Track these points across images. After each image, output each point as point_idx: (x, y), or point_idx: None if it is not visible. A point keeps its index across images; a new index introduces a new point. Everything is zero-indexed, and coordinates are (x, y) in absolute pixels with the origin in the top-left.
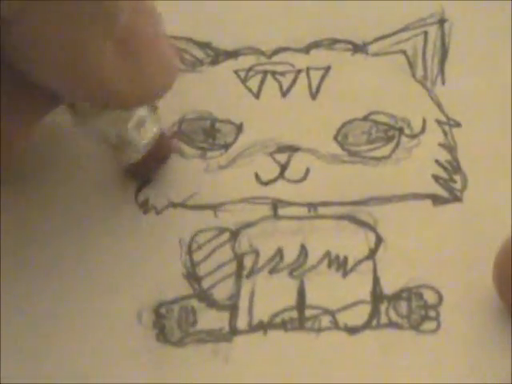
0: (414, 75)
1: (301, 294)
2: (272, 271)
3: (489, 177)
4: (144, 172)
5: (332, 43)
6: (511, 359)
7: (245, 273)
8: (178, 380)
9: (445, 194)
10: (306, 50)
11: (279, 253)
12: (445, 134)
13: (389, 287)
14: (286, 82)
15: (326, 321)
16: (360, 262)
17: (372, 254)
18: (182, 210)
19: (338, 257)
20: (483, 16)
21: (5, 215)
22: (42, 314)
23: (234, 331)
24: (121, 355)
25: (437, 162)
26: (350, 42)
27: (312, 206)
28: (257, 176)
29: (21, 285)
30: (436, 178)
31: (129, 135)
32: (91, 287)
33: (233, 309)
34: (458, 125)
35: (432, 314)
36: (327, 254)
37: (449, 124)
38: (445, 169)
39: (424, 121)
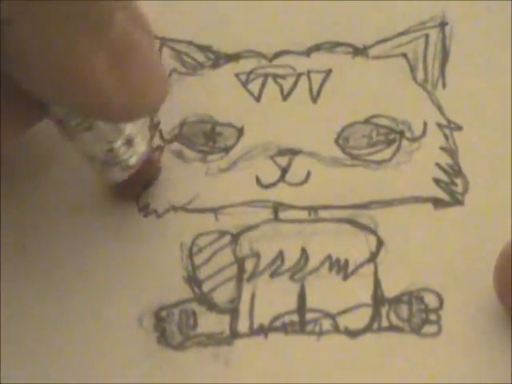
0: (414, 78)
1: (301, 297)
2: (273, 275)
3: (490, 180)
4: (130, 192)
5: (333, 46)
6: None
7: (245, 276)
8: None
9: (446, 198)
10: (307, 53)
11: (280, 256)
12: (446, 137)
13: (390, 290)
14: (286, 85)
15: (326, 324)
16: (361, 265)
17: (373, 258)
18: (182, 214)
19: (338, 260)
20: (484, 19)
21: (5, 218)
22: (42, 318)
23: (234, 335)
24: (121, 359)
25: (438, 165)
26: (350, 45)
27: (313, 209)
28: (258, 179)
29: (21, 289)
30: (437, 181)
31: (116, 153)
32: (92, 291)
33: (233, 312)
34: (459, 128)
35: (433, 317)
36: (328, 257)
37: (450, 127)
38: (446, 172)
39: (425, 124)
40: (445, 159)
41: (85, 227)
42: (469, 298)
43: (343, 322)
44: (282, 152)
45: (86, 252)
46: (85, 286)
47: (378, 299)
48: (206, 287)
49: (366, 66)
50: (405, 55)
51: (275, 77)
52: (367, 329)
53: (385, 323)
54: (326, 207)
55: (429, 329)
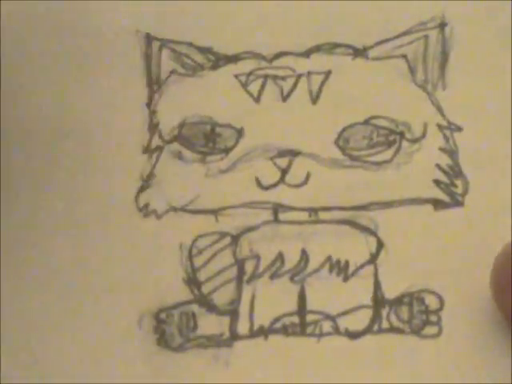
0: (414, 79)
1: (302, 298)
2: (273, 276)
3: (490, 181)
4: None
5: (332, 47)
6: (511, 363)
7: (245, 278)
8: None
9: (446, 199)
10: (307, 54)
11: (280, 258)
12: (446, 138)
13: (390, 292)
14: (286, 86)
15: (327, 326)
16: (361, 266)
17: (373, 259)
18: (182, 215)
19: (339, 261)
20: (484, 19)
21: (5, 218)
22: (42, 319)
23: (234, 336)
24: (122, 360)
25: (438, 166)
26: (350, 47)
27: (313, 210)
28: (257, 180)
29: (21, 290)
30: (437, 182)
31: None
32: (92, 292)
33: (233, 314)
34: (459, 129)
35: (433, 318)
36: (328, 258)
37: (450, 128)
38: (446, 173)
39: (425, 125)
40: (445, 160)
41: (84, 228)
42: (469, 299)
43: (343, 323)
44: (281, 153)
45: (86, 252)
46: (84, 287)
47: (379, 301)
48: (205, 289)
49: (366, 67)
50: (405, 56)
51: (275, 78)
52: (367, 330)
53: (385, 325)
54: (326, 208)
55: (429, 330)
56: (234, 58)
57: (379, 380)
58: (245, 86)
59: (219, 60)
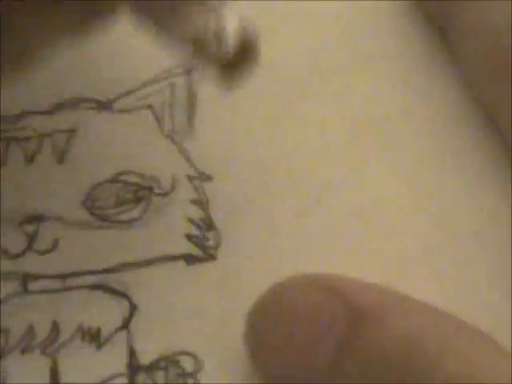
0: (162, 130)
1: (54, 372)
2: (24, 350)
3: (243, 232)
4: (237, 73)
5: (76, 103)
6: None
7: None
8: None
9: (199, 253)
10: (50, 112)
11: (31, 331)
12: (196, 189)
13: (145, 357)
14: (30, 147)
15: None
16: (114, 332)
17: (126, 324)
18: None
19: (90, 329)
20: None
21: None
22: None
23: None
24: None
25: (189, 219)
26: (93, 100)
27: (62, 277)
28: (5, 250)
29: None
30: (189, 236)
31: (215, 26)
32: None
33: None
34: (209, 179)
35: (190, 381)
36: (80, 327)
37: (200, 179)
38: (198, 226)
39: (174, 177)
40: (196, 213)
41: None
42: (227, 358)
43: None
44: (28, 219)
45: None
46: None
47: (134, 367)
48: None
49: (112, 121)
50: (150, 107)
51: (18, 140)
52: None
53: None
54: (76, 274)
55: None
56: None
57: None
58: None
59: None
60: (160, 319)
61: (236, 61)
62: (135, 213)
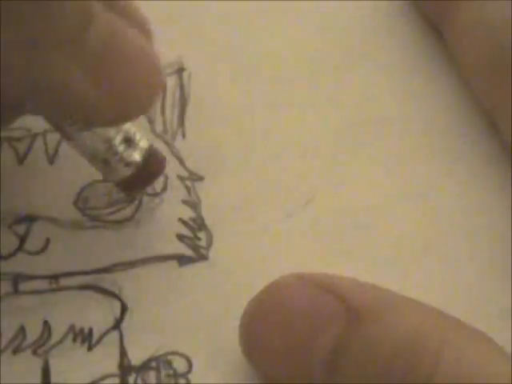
0: (153, 131)
1: (45, 372)
2: (15, 351)
3: (235, 232)
4: (134, 188)
5: None
6: None
7: None
8: None
9: (191, 253)
10: None
11: (22, 331)
12: (188, 189)
13: (137, 357)
14: (22, 147)
15: None
16: (106, 333)
17: (117, 324)
18: None
19: (82, 330)
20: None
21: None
22: None
23: None
24: None
25: (181, 220)
26: None
27: (54, 277)
28: None
29: None
30: (181, 237)
31: (116, 150)
32: None
33: None
34: (200, 179)
35: (182, 381)
36: (71, 327)
37: (191, 179)
38: (189, 227)
39: (165, 178)
40: (188, 213)
41: None
42: (218, 359)
43: None
44: (19, 220)
45: None
46: None
47: (125, 368)
48: None
49: None
50: None
51: (10, 140)
52: None
53: None
54: (68, 274)
55: None
56: None
57: None
58: None
59: None
60: (151, 319)
61: (135, 178)
62: (127, 213)
